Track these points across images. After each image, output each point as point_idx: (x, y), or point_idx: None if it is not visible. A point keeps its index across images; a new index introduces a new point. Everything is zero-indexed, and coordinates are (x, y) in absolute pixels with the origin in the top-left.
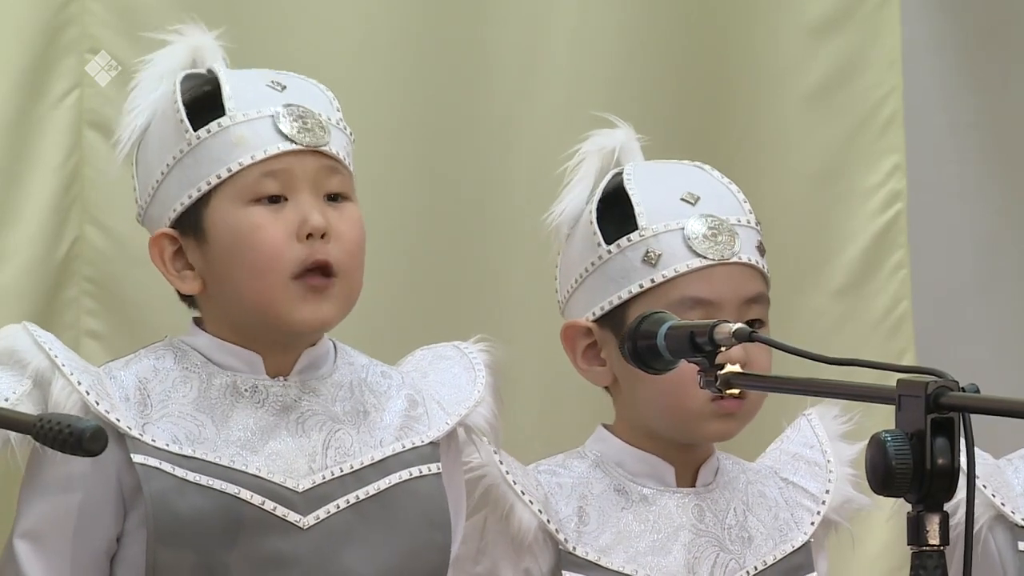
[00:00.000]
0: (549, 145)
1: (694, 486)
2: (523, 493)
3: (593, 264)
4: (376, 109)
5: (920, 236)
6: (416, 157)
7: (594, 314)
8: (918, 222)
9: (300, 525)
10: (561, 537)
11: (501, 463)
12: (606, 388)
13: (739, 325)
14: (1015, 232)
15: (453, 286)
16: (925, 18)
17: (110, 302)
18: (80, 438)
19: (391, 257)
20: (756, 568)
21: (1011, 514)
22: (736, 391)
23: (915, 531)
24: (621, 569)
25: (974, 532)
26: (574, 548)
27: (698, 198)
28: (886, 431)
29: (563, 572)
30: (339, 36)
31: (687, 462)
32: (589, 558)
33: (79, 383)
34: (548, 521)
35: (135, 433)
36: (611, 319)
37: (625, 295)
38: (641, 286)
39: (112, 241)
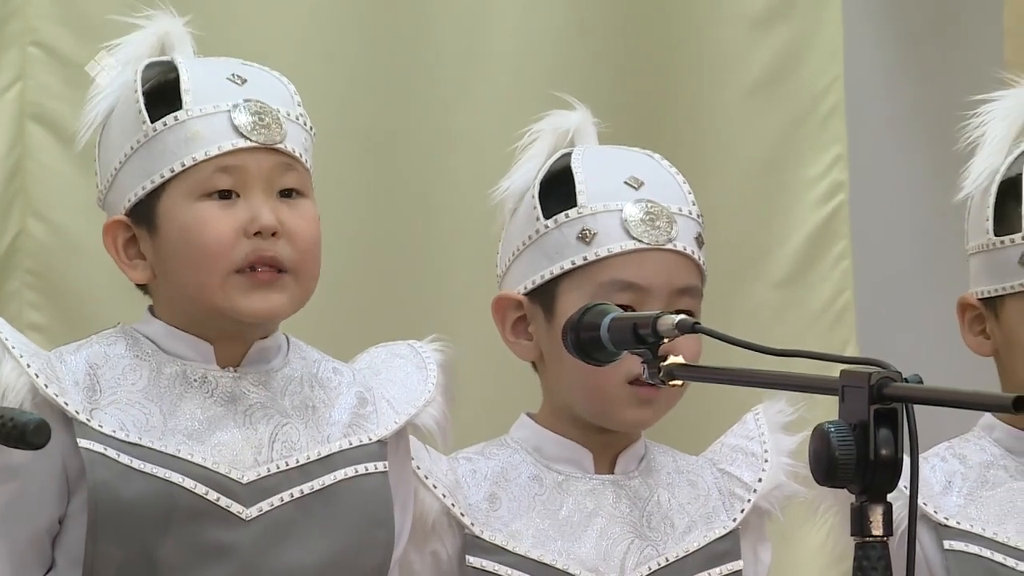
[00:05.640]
0: (491, 136)
1: (612, 473)
2: (427, 477)
3: (530, 237)
4: (319, 100)
5: (862, 226)
6: (359, 148)
7: (526, 287)
8: (860, 213)
9: (243, 516)
10: (467, 521)
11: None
12: (534, 367)
13: (681, 316)
14: (956, 222)
15: (396, 278)
16: (866, 9)
17: (52, 294)
18: (23, 431)
19: (333, 250)
20: (677, 556)
21: (933, 513)
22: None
23: (858, 522)
24: (527, 554)
25: (899, 533)
26: (481, 532)
27: (642, 183)
28: (829, 422)
29: (467, 556)
30: (282, 25)
31: (607, 448)
32: (496, 542)
33: (28, 366)
34: (453, 505)
35: (83, 418)
36: (542, 294)
37: (557, 270)
38: (573, 263)
39: (54, 234)
